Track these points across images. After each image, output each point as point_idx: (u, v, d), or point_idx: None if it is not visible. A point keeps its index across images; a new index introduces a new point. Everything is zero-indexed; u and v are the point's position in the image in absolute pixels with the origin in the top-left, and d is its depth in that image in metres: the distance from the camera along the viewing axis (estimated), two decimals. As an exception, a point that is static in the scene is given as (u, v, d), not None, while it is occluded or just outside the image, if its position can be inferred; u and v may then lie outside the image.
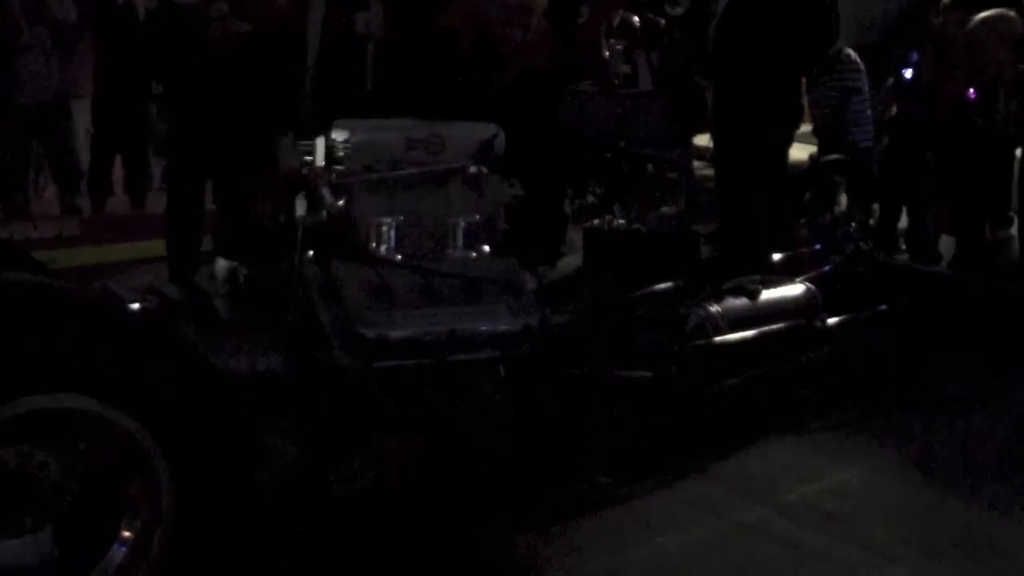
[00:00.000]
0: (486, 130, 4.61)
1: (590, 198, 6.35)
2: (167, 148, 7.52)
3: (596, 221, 5.81)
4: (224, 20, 6.46)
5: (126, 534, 3.22)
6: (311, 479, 3.93)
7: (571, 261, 6.18)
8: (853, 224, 6.58)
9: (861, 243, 6.36)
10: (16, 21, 7.77)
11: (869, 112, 8.38)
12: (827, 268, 5.99)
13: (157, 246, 6.81)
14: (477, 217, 4.49)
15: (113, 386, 3.08)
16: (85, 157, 8.76)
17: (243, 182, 6.77)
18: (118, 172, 9.20)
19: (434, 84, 5.17)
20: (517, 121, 4.85)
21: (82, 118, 8.72)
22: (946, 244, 7.89)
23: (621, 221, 5.72)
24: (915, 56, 8.19)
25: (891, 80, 8.52)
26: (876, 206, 8.11)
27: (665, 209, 5.80)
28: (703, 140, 7.21)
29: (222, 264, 4.90)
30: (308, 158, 4.45)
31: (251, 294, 4.49)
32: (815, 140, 9.03)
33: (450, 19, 5.53)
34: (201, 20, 6.44)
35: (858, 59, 8.24)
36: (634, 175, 5.85)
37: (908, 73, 8.24)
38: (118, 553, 3.21)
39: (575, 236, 6.25)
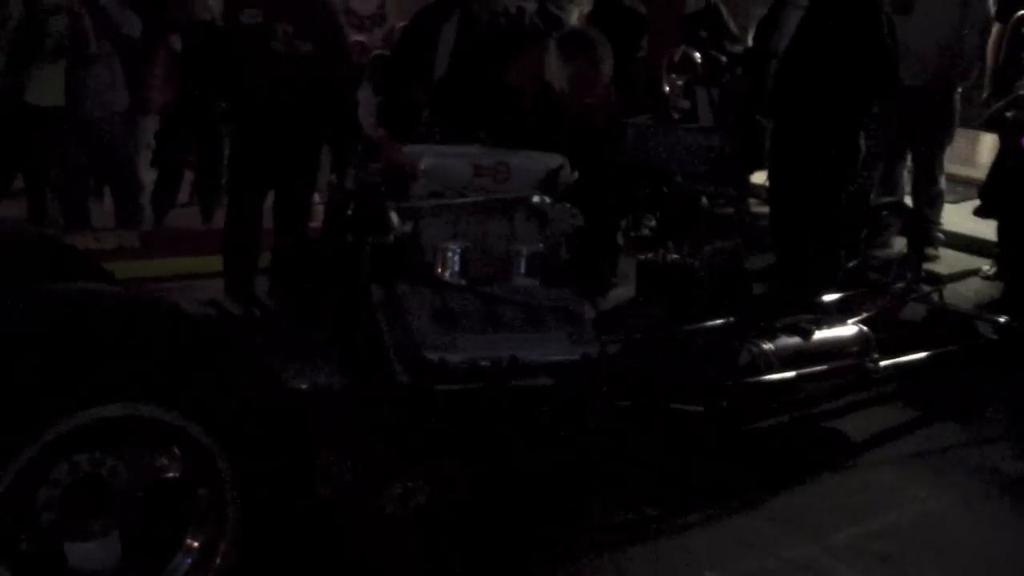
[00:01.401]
0: (552, 160, 4.66)
1: (645, 231, 6.39)
2: (228, 164, 7.60)
3: (650, 254, 5.84)
4: (288, 40, 6.53)
5: (191, 543, 3.29)
6: (369, 497, 3.98)
7: (622, 293, 6.20)
8: (907, 266, 6.59)
9: (915, 286, 6.39)
10: (85, 32, 7.87)
11: None
12: (880, 310, 6.02)
13: (215, 261, 6.88)
14: (540, 246, 4.55)
15: (184, 397, 3.14)
16: (145, 172, 8.87)
17: (303, 199, 6.89)
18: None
19: (495, 125, 5.20)
20: (574, 157, 4.89)
21: (147, 134, 8.84)
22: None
23: (675, 255, 5.75)
24: None
25: None
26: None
27: (719, 245, 5.81)
28: (758, 178, 7.21)
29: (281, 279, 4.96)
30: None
31: (314, 312, 4.55)
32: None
33: (512, 77, 5.55)
34: (265, 39, 6.51)
35: None
36: (689, 210, 5.88)
37: None
38: (183, 562, 3.28)
39: (627, 268, 6.28)
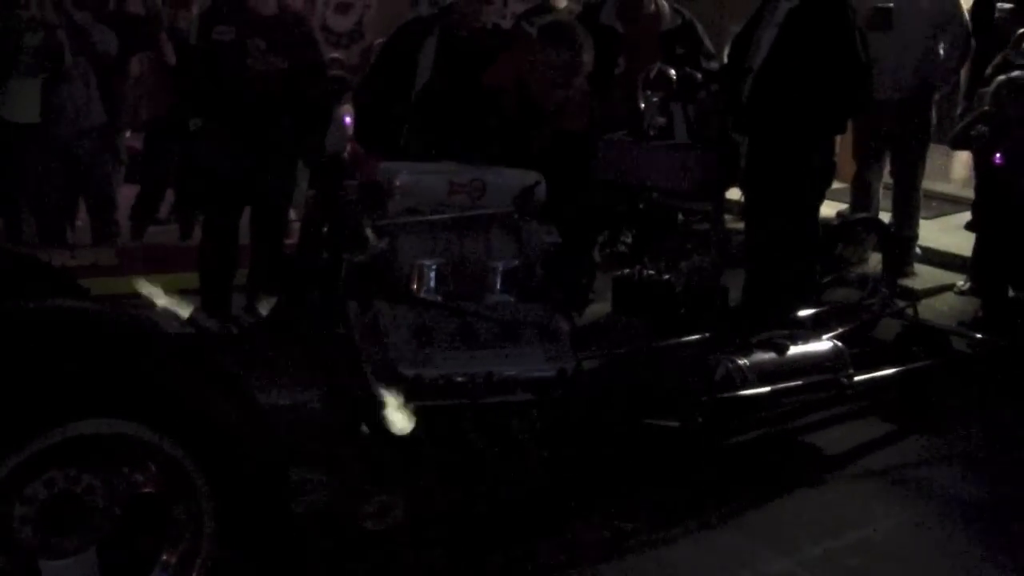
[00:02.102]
0: (528, 177, 4.67)
1: (621, 247, 6.40)
2: (203, 180, 7.57)
3: (626, 270, 5.85)
4: (262, 57, 6.53)
5: (167, 559, 3.29)
6: (345, 512, 3.99)
7: (598, 309, 6.21)
8: (882, 282, 6.62)
9: (889, 301, 6.43)
10: (60, 48, 7.86)
11: None
12: (855, 325, 6.05)
13: (192, 277, 6.87)
14: (516, 262, 4.56)
15: (161, 413, 3.14)
16: (120, 189, 8.85)
17: (279, 215, 6.89)
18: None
19: (475, 135, 5.22)
20: (551, 169, 4.90)
21: (122, 150, 8.83)
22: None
23: (651, 271, 5.76)
24: None
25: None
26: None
27: (695, 260, 5.83)
28: (732, 194, 7.23)
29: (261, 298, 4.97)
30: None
31: (290, 328, 4.55)
32: (848, 197, 9.15)
33: (493, 77, 5.57)
34: (240, 56, 6.50)
35: None
36: (665, 226, 5.90)
37: None
38: (160, 578, 3.28)
39: (603, 284, 6.30)
